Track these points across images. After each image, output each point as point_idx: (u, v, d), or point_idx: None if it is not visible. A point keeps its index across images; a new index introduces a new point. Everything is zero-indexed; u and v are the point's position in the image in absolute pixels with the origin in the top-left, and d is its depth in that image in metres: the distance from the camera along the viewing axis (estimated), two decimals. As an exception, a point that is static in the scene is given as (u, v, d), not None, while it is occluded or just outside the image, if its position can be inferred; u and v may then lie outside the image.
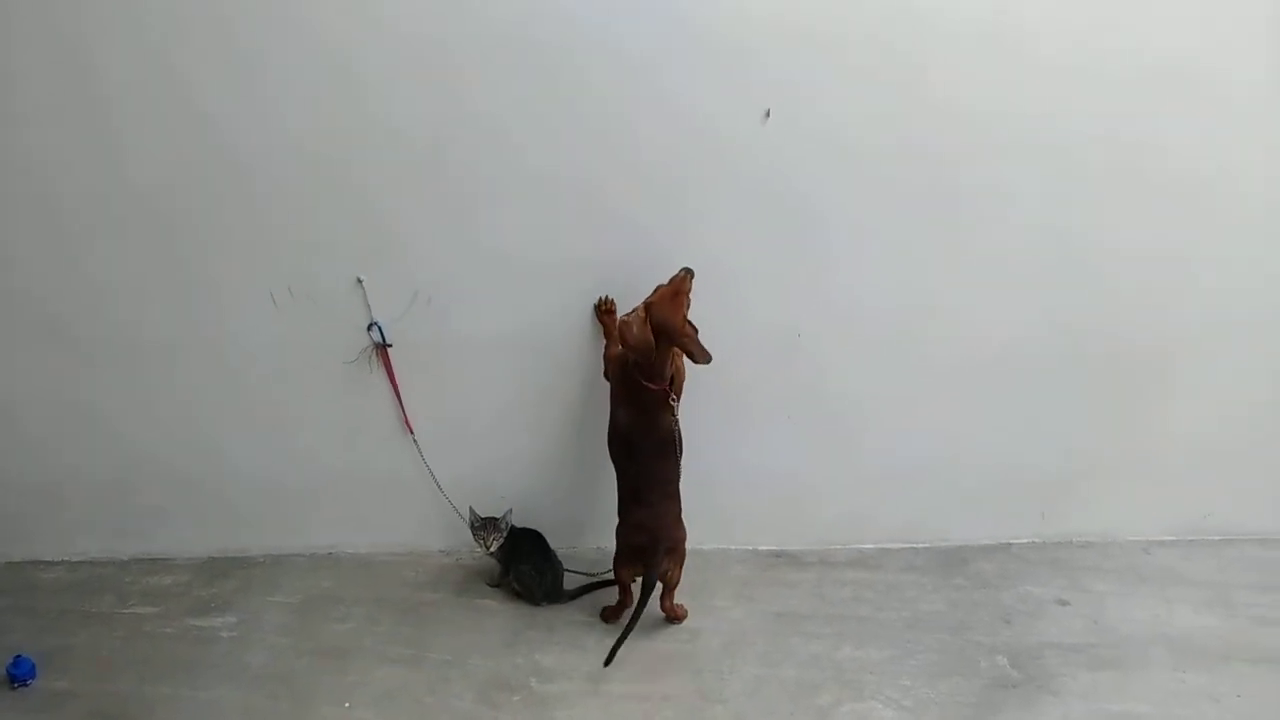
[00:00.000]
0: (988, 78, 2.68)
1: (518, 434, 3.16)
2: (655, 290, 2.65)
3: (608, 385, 2.86)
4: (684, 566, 2.86)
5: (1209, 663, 2.71)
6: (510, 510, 3.04)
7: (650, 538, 2.75)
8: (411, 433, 3.09)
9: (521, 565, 3.00)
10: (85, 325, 2.99)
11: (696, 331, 2.64)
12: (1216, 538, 3.28)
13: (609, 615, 2.94)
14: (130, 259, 2.91)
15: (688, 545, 2.85)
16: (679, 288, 2.60)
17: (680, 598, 2.94)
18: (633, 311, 2.61)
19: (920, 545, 3.29)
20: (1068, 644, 2.80)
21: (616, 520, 2.87)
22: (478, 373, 3.06)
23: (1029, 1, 2.61)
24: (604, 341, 2.91)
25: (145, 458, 3.19)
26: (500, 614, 2.99)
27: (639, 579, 2.79)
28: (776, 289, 2.95)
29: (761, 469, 3.20)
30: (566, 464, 3.19)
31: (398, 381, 3.02)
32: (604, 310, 2.89)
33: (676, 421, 2.74)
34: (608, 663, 2.72)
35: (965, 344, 3.03)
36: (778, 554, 3.28)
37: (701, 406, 3.00)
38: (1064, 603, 2.99)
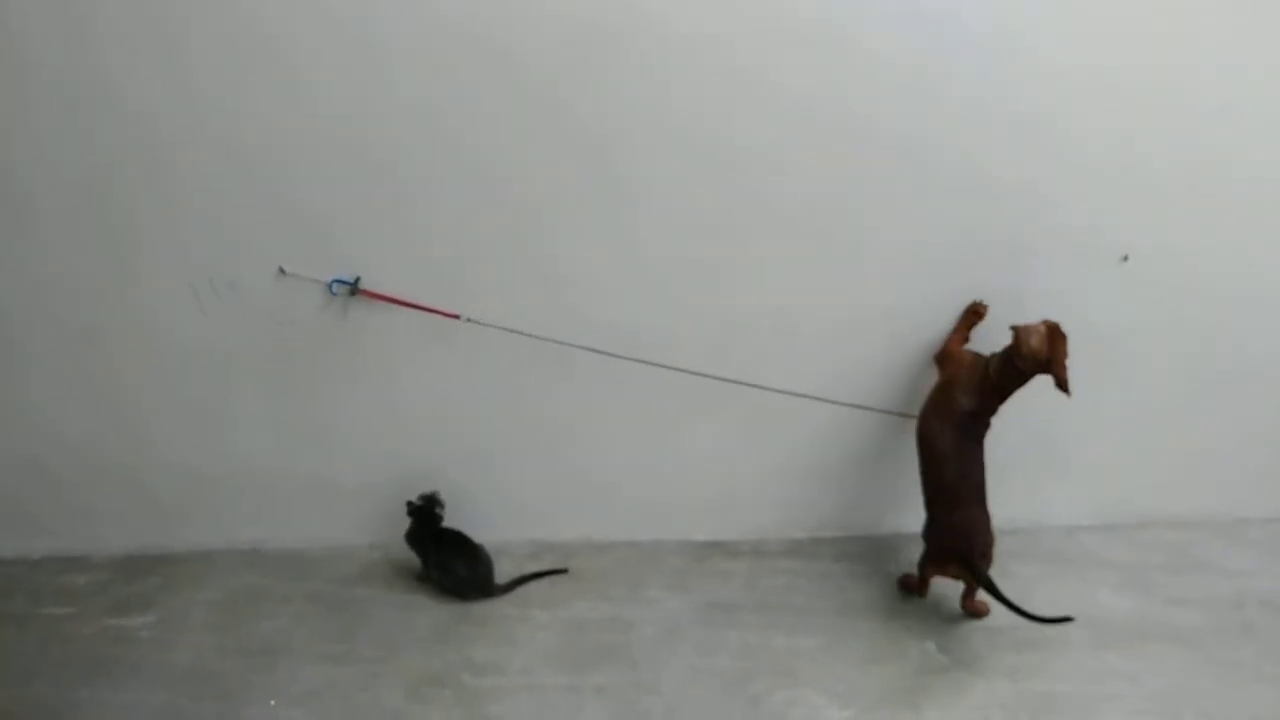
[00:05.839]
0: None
1: (450, 424, 3.12)
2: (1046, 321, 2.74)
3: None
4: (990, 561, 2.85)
5: (1126, 642, 2.79)
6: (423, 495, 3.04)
7: (965, 543, 2.78)
8: (459, 316, 2.94)
9: (450, 561, 2.96)
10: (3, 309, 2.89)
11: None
12: (1133, 522, 3.40)
13: (903, 585, 3.07)
14: (53, 245, 2.82)
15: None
16: (1065, 335, 2.70)
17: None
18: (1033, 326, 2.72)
19: (853, 534, 3.33)
20: (994, 627, 2.85)
21: (926, 520, 2.93)
22: (401, 363, 3.01)
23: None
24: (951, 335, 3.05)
25: (64, 448, 3.07)
26: (431, 609, 2.94)
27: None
28: (706, 283, 2.98)
29: (696, 461, 3.21)
30: (509, 456, 3.17)
31: (400, 297, 2.91)
32: (973, 311, 3.02)
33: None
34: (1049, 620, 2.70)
35: (895, 336, 3.08)
36: (712, 545, 3.29)
37: (641, 399, 3.02)
38: (991, 587, 3.06)
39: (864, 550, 3.25)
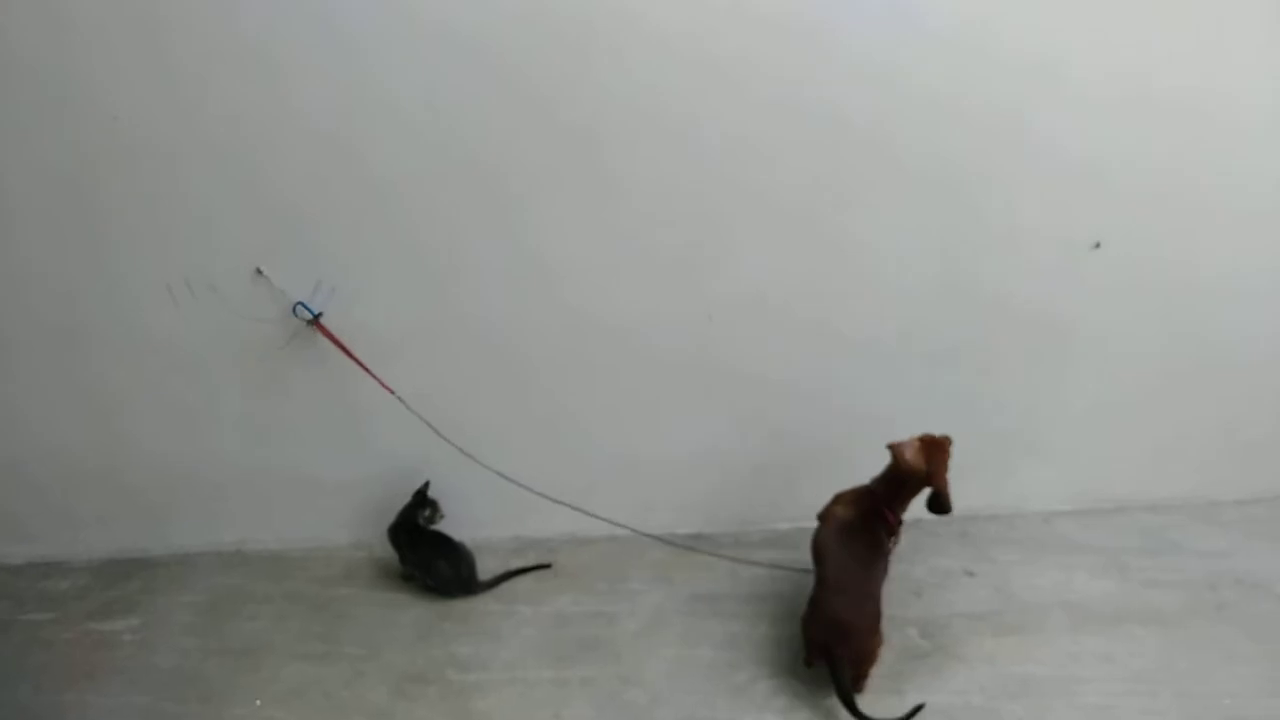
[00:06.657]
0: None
1: (433, 421, 3.10)
2: (922, 435, 2.71)
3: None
4: (872, 664, 2.56)
5: (1103, 625, 2.82)
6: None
7: (838, 637, 2.49)
8: (393, 391, 2.98)
9: (433, 561, 2.97)
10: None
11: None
12: (1110, 506, 3.43)
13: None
14: (32, 245, 2.81)
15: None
16: (946, 448, 2.69)
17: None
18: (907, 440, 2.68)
19: (834, 523, 3.35)
20: (974, 612, 2.88)
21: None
22: (383, 364, 3.00)
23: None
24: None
25: (44, 452, 3.07)
26: (414, 607, 2.95)
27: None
28: (688, 275, 2.98)
29: (677, 454, 3.23)
30: (492, 452, 3.13)
31: (349, 347, 2.92)
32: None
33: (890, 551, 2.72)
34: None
35: (871, 323, 3.10)
36: (694, 537, 3.30)
37: (623, 394, 3.03)
38: (971, 573, 3.08)
39: (845, 539, 3.27)
